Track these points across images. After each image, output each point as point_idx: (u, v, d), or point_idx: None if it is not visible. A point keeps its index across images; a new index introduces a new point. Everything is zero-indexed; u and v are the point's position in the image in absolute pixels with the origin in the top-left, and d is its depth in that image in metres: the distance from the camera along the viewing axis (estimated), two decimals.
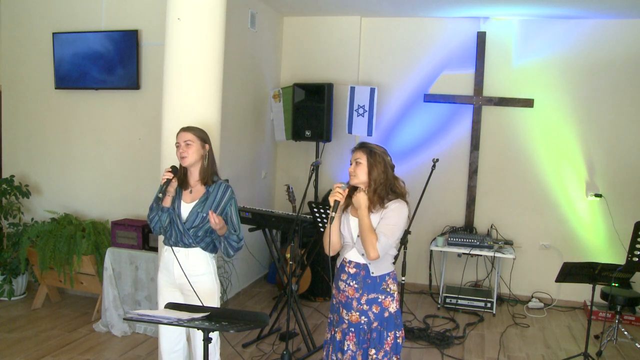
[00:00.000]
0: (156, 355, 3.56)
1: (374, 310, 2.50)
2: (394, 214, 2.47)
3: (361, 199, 2.46)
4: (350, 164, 2.55)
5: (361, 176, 2.49)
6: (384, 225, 2.45)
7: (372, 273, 2.50)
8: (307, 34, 5.86)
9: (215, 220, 2.58)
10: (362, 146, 2.55)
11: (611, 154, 5.22)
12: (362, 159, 2.50)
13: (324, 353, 2.70)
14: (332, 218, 2.46)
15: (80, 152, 4.88)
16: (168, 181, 2.67)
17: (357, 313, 2.51)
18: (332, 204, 2.47)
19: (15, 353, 3.68)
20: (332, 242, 2.54)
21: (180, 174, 2.76)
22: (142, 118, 4.64)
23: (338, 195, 2.46)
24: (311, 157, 5.76)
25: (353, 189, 2.54)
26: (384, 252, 2.47)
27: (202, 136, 2.73)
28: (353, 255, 2.54)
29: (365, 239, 2.43)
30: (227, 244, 2.70)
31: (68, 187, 4.95)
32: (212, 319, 2.15)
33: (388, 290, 2.52)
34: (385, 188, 2.49)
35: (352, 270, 2.53)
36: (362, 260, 2.51)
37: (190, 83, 3.17)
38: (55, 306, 4.64)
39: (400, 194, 2.53)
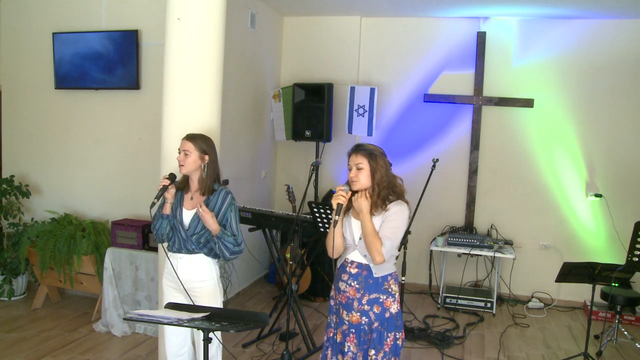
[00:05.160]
0: (156, 356, 3.57)
1: (375, 310, 2.48)
2: (396, 217, 2.45)
3: (362, 203, 2.43)
4: (349, 169, 2.50)
5: (364, 181, 2.46)
6: (387, 228, 2.44)
7: (375, 274, 2.49)
8: (307, 34, 5.85)
9: (202, 211, 2.58)
10: (361, 149, 2.49)
11: (611, 154, 5.22)
12: (364, 163, 2.45)
13: (321, 355, 2.67)
14: (336, 221, 2.43)
15: (80, 152, 4.88)
16: (164, 188, 2.67)
17: (358, 314, 2.49)
18: (335, 207, 2.43)
19: (15, 353, 3.69)
20: (335, 244, 2.52)
21: (181, 179, 2.77)
22: (142, 118, 4.64)
23: (341, 198, 2.42)
24: (311, 157, 5.76)
25: (353, 192, 2.51)
26: (389, 255, 2.46)
27: (203, 147, 2.70)
28: (355, 256, 2.53)
29: (370, 244, 2.40)
30: (222, 244, 2.66)
31: (68, 187, 4.95)
32: (212, 319, 2.15)
33: (390, 290, 2.51)
34: (387, 190, 2.48)
35: (354, 271, 2.51)
36: (364, 261, 2.50)
37: (190, 83, 3.17)
38: (55, 306, 4.64)
39: (399, 194, 2.51)
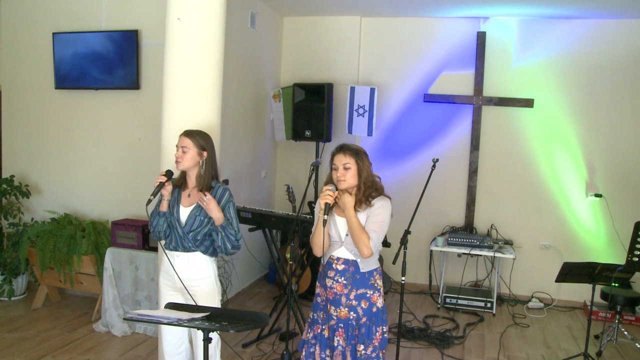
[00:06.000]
0: (156, 356, 3.57)
1: (362, 305, 2.55)
2: (381, 211, 2.53)
3: (347, 200, 2.52)
4: (334, 169, 2.56)
5: (351, 180, 2.54)
6: (372, 222, 2.52)
7: (362, 269, 2.55)
8: (307, 34, 5.86)
9: (207, 199, 2.57)
10: (347, 149, 2.56)
11: (611, 154, 5.22)
12: (351, 163, 2.53)
13: (303, 353, 2.70)
14: (325, 221, 2.49)
15: (80, 152, 4.88)
16: (161, 184, 2.64)
17: (346, 309, 2.56)
18: (322, 206, 2.50)
19: (15, 353, 3.68)
20: (321, 243, 2.58)
21: (179, 176, 2.76)
22: (142, 118, 4.64)
23: (328, 197, 2.50)
24: (311, 157, 5.76)
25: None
26: (376, 249, 2.53)
27: (202, 143, 2.68)
28: (342, 252, 2.59)
29: (358, 239, 2.48)
30: (225, 235, 2.65)
31: (68, 187, 4.95)
32: (212, 319, 2.15)
33: (375, 285, 2.59)
34: (371, 188, 2.56)
35: (341, 267, 2.57)
36: (351, 257, 2.57)
37: (190, 83, 3.16)
38: (55, 306, 4.64)
39: (380, 190, 2.60)
